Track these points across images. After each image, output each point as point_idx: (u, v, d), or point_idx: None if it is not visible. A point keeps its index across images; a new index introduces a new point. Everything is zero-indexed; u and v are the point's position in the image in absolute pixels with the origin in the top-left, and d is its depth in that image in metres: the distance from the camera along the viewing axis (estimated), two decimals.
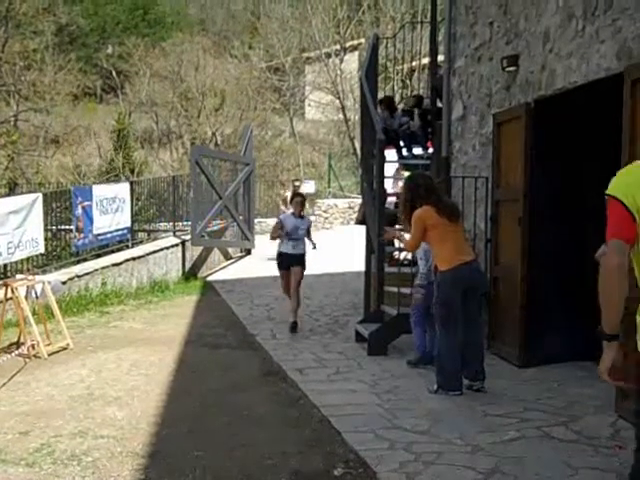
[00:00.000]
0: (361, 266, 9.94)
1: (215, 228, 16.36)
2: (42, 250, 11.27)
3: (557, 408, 5.93)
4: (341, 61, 33.69)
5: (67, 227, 13.03)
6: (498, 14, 8.01)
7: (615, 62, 5.61)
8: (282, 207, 16.56)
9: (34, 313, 8.35)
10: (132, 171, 27.83)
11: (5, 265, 10.72)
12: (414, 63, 16.10)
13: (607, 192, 2.92)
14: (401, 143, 10.88)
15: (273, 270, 14.45)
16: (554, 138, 7.05)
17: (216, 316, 10.61)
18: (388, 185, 10.36)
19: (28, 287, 8.30)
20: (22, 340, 8.06)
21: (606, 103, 6.00)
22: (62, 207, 13.04)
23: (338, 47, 33.95)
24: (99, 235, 13.16)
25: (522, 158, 7.17)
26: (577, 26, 6.22)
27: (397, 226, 8.03)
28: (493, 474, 4.57)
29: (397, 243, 9.54)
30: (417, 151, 10.88)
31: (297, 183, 18.42)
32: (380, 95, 12.21)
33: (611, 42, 5.67)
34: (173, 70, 33.44)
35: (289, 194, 15.38)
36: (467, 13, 9.02)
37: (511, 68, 7.53)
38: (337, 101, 33.17)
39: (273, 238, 10.16)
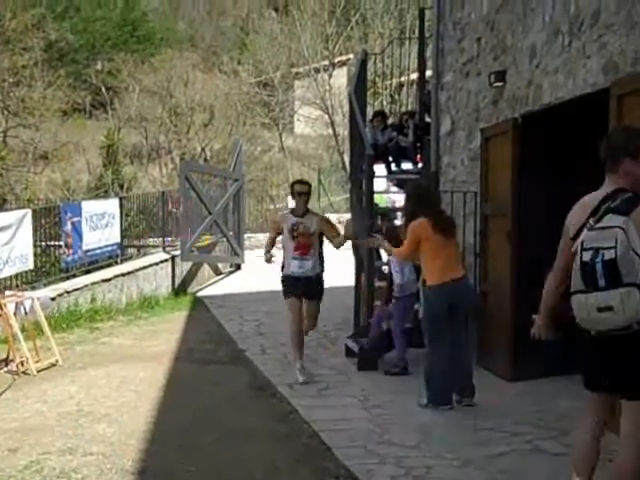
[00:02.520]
0: (351, 281, 9.95)
1: (203, 243, 16.33)
2: (31, 266, 11.22)
3: (547, 422, 5.94)
4: (330, 76, 33.78)
5: (56, 243, 12.99)
6: (485, 30, 8.08)
7: (601, 77, 5.67)
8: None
9: (23, 329, 8.31)
10: (121, 187, 27.79)
11: None
12: (403, 78, 16.24)
13: None
14: (390, 158, 10.92)
15: (263, 286, 14.47)
16: (542, 153, 7.09)
17: (206, 332, 10.58)
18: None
19: (17, 303, 8.26)
20: (11, 357, 8.02)
21: (593, 117, 6.05)
22: (51, 223, 13.00)
23: (327, 62, 34.05)
24: (88, 251, 13.12)
25: (510, 173, 7.21)
26: (563, 42, 6.28)
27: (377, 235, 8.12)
28: None
29: (384, 257, 9.56)
30: (406, 166, 10.92)
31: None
32: (369, 110, 12.26)
33: (597, 57, 5.73)
34: (162, 86, 33.43)
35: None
36: (455, 29, 9.09)
37: (498, 83, 7.59)
38: (326, 116, 33.22)
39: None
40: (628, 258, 3.35)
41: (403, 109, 14.27)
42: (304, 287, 7.58)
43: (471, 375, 6.59)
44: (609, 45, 5.55)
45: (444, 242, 6.38)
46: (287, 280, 7.70)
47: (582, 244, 3.54)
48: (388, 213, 10.54)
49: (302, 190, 7.75)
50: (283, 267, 7.77)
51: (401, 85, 18.37)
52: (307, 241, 7.55)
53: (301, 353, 7.72)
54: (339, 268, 14.29)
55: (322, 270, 7.74)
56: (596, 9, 5.72)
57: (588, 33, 5.86)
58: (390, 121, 11.84)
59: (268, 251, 7.85)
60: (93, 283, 11.86)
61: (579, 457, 3.89)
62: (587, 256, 3.48)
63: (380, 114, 11.57)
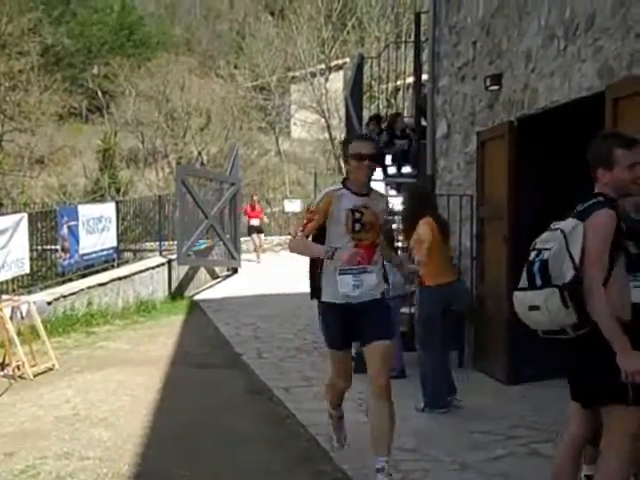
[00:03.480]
0: None
1: (202, 247, 16.33)
2: (27, 270, 11.21)
3: (544, 425, 5.94)
4: (326, 80, 33.86)
5: (53, 247, 12.98)
6: (481, 34, 8.09)
7: (597, 81, 5.69)
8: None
9: (19, 334, 8.29)
10: (118, 191, 27.83)
11: None
12: (399, 82, 16.27)
13: None
14: (390, 162, 10.95)
15: (260, 289, 14.50)
16: (538, 156, 7.11)
17: (203, 336, 10.58)
18: None
19: (13, 308, 8.25)
20: (7, 361, 8.00)
21: (589, 121, 6.07)
22: (48, 227, 12.99)
23: (323, 66, 34.14)
24: (85, 255, 13.11)
25: (506, 176, 7.23)
26: (559, 46, 6.30)
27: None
28: None
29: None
30: (406, 169, 10.92)
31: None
32: (365, 114, 12.28)
33: (592, 61, 5.75)
34: (159, 90, 33.49)
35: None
36: (450, 33, 9.11)
37: (494, 87, 7.61)
38: (322, 120, 33.31)
39: None
40: (559, 259, 3.40)
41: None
42: (361, 322, 4.57)
43: (451, 372, 6.66)
44: (604, 49, 5.57)
45: (442, 244, 6.42)
46: (330, 313, 4.65)
47: (534, 244, 3.63)
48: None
49: (367, 151, 4.51)
50: (313, 285, 4.77)
51: (397, 89, 18.43)
52: (372, 239, 4.55)
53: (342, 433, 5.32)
54: None
55: (388, 288, 4.97)
56: (591, 13, 5.74)
57: (583, 37, 5.88)
58: (383, 125, 11.87)
59: (329, 253, 4.40)
60: (89, 287, 11.85)
61: (554, 472, 3.82)
62: (532, 255, 3.57)
63: (375, 118, 11.59)
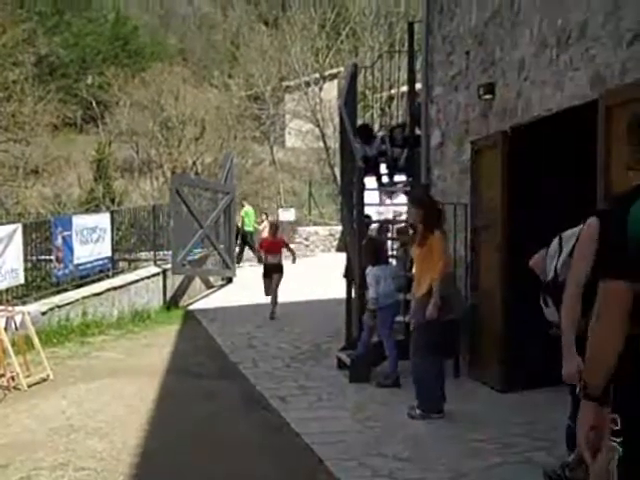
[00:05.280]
0: (342, 293, 9.95)
1: (196, 257, 16.32)
2: (22, 281, 11.19)
3: (539, 433, 5.94)
4: (320, 89, 33.88)
5: (47, 257, 12.97)
6: (474, 44, 8.13)
7: (589, 89, 5.71)
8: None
9: (13, 344, 8.27)
10: (112, 201, 27.80)
11: None
12: (393, 91, 16.30)
13: None
14: (384, 171, 10.96)
15: (254, 298, 14.44)
16: (532, 164, 7.12)
17: (198, 345, 10.57)
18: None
19: (8, 318, 8.23)
20: (1, 372, 7.98)
21: (582, 129, 6.09)
22: (42, 237, 12.98)
23: (317, 76, 34.17)
24: (79, 265, 13.10)
25: (500, 185, 7.24)
26: (551, 54, 6.33)
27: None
28: None
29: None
30: (398, 178, 10.94)
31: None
32: (359, 122, 12.29)
33: (585, 70, 5.77)
34: (153, 100, 33.47)
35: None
36: (444, 43, 9.14)
37: (487, 96, 7.63)
38: (317, 129, 33.31)
39: None
40: (549, 262, 3.82)
41: (394, 122, 14.32)
42: None
43: (444, 381, 6.74)
44: (597, 57, 5.59)
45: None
46: None
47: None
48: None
49: None
50: None
51: (391, 98, 18.47)
52: None
53: None
54: (329, 280, 14.33)
55: None
56: (583, 22, 5.77)
57: (576, 46, 5.90)
58: (381, 133, 11.87)
59: None
60: (84, 297, 11.82)
61: None
62: None
63: (362, 128, 11.54)
